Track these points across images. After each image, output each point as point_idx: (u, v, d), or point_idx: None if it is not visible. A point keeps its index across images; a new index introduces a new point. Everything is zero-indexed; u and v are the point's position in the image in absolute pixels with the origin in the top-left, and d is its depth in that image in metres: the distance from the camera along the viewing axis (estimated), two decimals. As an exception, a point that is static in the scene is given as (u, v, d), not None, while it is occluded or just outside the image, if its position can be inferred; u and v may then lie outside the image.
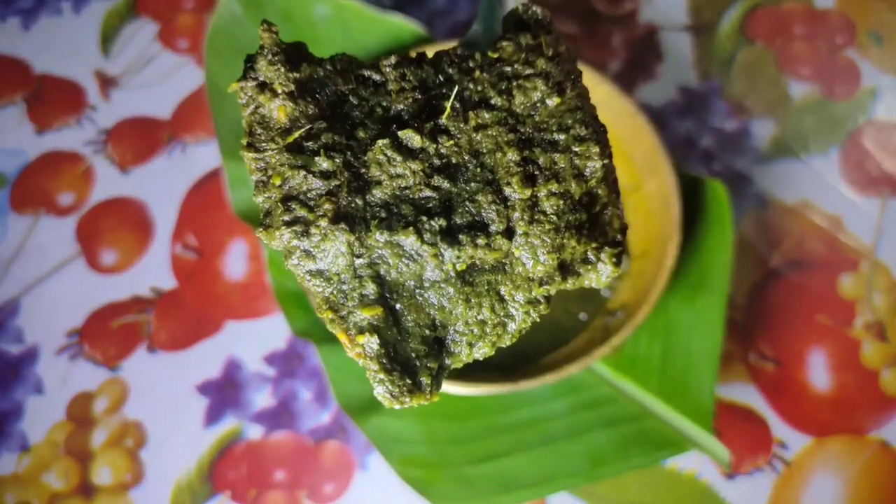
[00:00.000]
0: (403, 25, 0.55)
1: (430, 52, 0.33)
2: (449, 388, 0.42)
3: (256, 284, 0.56)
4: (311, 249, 0.24)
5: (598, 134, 0.27)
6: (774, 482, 0.50)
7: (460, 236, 0.25)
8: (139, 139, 0.61)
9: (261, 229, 0.24)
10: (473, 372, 0.45)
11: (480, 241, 0.25)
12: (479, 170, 0.25)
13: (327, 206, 0.23)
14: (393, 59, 0.26)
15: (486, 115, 0.25)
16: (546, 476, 0.45)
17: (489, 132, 0.25)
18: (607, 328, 0.45)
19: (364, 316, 0.23)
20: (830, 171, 0.60)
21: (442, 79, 0.26)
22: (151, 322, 0.55)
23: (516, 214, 0.25)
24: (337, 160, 0.24)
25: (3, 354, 0.54)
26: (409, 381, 0.23)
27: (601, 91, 0.50)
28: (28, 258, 0.57)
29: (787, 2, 0.67)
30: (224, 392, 0.53)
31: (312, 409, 0.52)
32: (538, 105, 0.26)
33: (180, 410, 0.52)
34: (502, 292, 0.25)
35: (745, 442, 0.51)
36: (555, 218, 0.25)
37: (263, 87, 0.24)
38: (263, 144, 0.24)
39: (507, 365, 0.46)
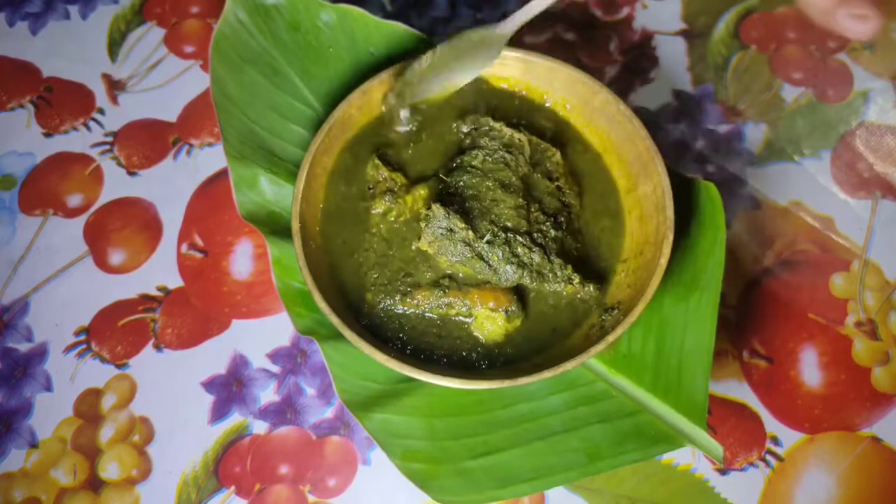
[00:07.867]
0: (406, 31, 0.56)
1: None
2: (450, 383, 0.43)
3: (261, 284, 0.57)
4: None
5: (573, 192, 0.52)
6: (767, 477, 0.51)
7: (516, 247, 0.48)
8: (146, 142, 0.62)
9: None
10: (474, 368, 0.46)
11: (520, 249, 0.48)
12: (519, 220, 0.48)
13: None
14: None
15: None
16: (544, 470, 0.45)
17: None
18: (603, 326, 0.46)
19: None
20: (822, 173, 0.61)
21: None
22: (158, 320, 0.56)
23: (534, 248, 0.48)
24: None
25: (12, 352, 0.55)
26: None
27: (598, 98, 0.51)
28: (37, 258, 0.58)
29: (781, 7, 0.68)
30: (230, 389, 0.54)
31: (316, 406, 0.53)
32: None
33: (187, 407, 0.53)
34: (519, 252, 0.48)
35: (739, 438, 0.52)
36: (553, 245, 0.48)
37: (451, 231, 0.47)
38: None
39: (507, 361, 0.47)
